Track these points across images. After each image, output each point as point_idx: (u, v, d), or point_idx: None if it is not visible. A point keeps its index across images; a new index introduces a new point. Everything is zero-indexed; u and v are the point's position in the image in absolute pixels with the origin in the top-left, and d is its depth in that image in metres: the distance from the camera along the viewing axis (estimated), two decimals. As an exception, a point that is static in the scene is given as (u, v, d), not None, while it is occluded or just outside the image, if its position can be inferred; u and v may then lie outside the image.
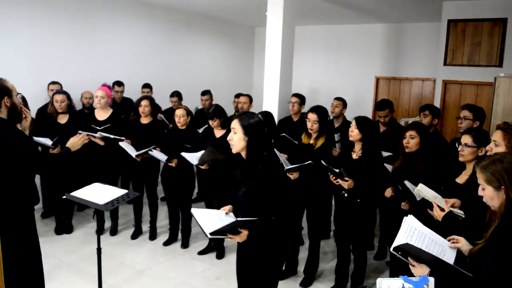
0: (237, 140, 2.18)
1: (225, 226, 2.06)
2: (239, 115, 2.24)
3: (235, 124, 2.19)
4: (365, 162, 3.12)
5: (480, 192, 1.76)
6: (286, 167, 3.35)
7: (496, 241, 1.62)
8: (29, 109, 3.40)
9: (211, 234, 2.01)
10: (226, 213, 2.27)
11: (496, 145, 2.21)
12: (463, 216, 2.25)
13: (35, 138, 3.56)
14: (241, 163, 2.26)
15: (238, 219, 2.07)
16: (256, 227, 2.11)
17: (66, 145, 2.83)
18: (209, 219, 2.16)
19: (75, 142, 2.87)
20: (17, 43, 4.98)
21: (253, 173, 2.15)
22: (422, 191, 2.40)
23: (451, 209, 2.26)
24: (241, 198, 2.21)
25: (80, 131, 4.16)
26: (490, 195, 1.70)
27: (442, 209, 2.26)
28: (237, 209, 2.32)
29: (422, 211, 2.30)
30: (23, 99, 4.31)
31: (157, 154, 4.06)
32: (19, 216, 2.48)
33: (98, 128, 4.28)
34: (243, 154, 2.23)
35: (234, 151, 2.22)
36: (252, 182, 2.13)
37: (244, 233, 2.07)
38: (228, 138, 2.23)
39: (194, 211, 2.20)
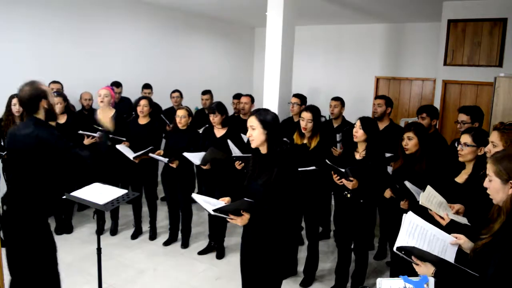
0: (257, 135, 2.24)
1: (230, 205, 2.11)
2: (255, 112, 2.29)
3: (253, 121, 2.24)
4: (371, 162, 3.12)
5: (486, 184, 1.74)
6: None
7: (503, 238, 1.60)
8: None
9: (214, 211, 2.05)
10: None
11: (494, 145, 2.22)
12: (468, 224, 2.22)
13: None
14: (259, 157, 2.30)
15: (245, 199, 2.07)
16: (259, 213, 2.13)
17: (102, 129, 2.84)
18: (210, 203, 2.21)
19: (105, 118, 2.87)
20: (17, 43, 4.98)
21: (273, 165, 2.20)
22: (430, 195, 2.34)
23: (453, 217, 2.24)
24: (259, 188, 2.23)
25: (80, 131, 4.17)
26: (496, 187, 1.69)
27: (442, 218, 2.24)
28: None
29: (422, 210, 2.29)
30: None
31: (157, 155, 4.06)
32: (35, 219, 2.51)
33: (100, 128, 4.27)
34: (263, 148, 2.29)
35: (253, 145, 2.27)
36: (273, 173, 2.18)
37: (246, 216, 2.10)
38: (247, 135, 2.28)
39: (195, 195, 2.25)
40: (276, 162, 2.21)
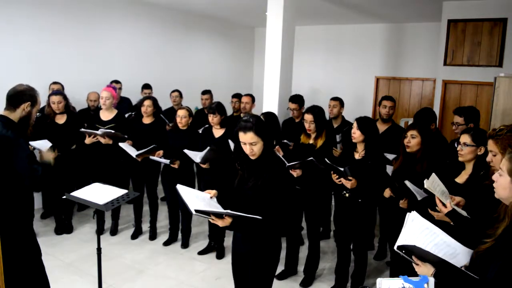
0: (258, 149, 2.22)
1: (212, 211, 2.09)
2: (251, 128, 2.18)
3: (253, 137, 2.17)
4: (370, 162, 3.12)
5: (494, 177, 1.69)
6: (287, 164, 3.34)
7: (506, 243, 1.58)
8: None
9: (196, 211, 2.04)
10: (211, 197, 2.29)
11: (494, 155, 2.20)
12: (468, 216, 2.23)
13: (32, 143, 3.45)
14: (249, 161, 2.29)
15: (228, 211, 2.07)
16: (242, 220, 2.12)
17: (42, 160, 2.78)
18: (194, 198, 2.19)
19: (47, 156, 2.81)
20: (18, 44, 4.98)
21: (263, 169, 2.21)
22: (434, 182, 2.34)
23: (455, 207, 2.25)
24: (248, 192, 2.24)
25: (82, 129, 4.17)
26: (504, 184, 1.63)
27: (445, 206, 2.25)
28: (240, 206, 2.30)
29: (422, 209, 2.29)
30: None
31: (158, 157, 4.07)
32: (15, 222, 2.45)
33: (101, 127, 4.27)
34: None
35: (254, 158, 2.24)
36: (263, 177, 2.19)
37: (228, 220, 2.08)
38: (249, 153, 2.22)
39: (180, 187, 2.21)
40: (265, 166, 2.21)
